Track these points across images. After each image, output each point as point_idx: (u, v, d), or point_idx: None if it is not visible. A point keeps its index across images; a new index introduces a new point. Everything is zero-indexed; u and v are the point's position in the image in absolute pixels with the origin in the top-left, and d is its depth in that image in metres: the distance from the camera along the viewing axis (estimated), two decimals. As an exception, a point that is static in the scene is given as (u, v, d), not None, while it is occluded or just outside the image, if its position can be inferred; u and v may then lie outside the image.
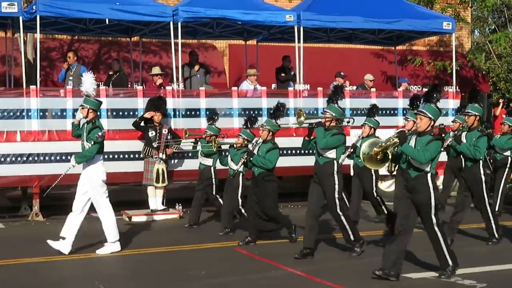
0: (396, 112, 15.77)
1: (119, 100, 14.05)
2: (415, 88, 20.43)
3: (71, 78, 14.99)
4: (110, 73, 15.99)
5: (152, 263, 9.46)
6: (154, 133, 13.28)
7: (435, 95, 8.18)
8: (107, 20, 14.70)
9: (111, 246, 10.09)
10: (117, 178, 13.82)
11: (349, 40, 18.67)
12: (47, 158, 13.18)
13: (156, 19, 14.74)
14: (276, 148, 10.43)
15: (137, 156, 13.50)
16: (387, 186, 16.00)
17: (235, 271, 8.92)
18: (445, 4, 22.56)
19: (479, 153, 10.26)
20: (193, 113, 14.31)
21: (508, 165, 13.54)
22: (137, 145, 13.66)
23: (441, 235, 8.25)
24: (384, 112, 14.07)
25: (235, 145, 11.23)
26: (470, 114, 10.49)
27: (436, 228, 8.22)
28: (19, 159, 13.01)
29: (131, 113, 13.79)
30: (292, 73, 16.56)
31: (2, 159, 12.89)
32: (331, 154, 9.48)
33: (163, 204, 13.56)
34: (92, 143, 9.77)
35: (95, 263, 9.58)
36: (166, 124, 13.75)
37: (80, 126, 10.17)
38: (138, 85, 15.76)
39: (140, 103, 13.88)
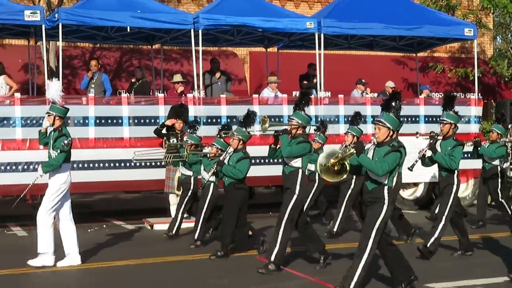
0: (417, 119, 15.69)
1: (140, 108, 14.11)
2: (437, 95, 20.32)
3: (93, 86, 15.10)
4: (133, 80, 16.08)
5: (171, 272, 9.47)
6: (175, 141, 13.32)
7: (394, 104, 7.78)
8: (128, 28, 14.77)
9: (41, 257, 9.60)
10: (139, 186, 13.91)
11: (370, 47, 18.63)
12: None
13: (177, 27, 14.79)
14: (247, 158, 10.18)
15: (158, 163, 13.53)
16: (409, 194, 15.93)
17: (255, 280, 8.90)
18: (467, 10, 22.46)
19: (455, 163, 9.88)
20: (214, 120, 14.33)
21: (498, 175, 13.07)
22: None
23: (363, 265, 7.63)
24: (405, 119, 13.99)
25: (208, 155, 10.97)
26: (445, 122, 10.13)
27: (369, 245, 7.65)
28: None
29: (153, 120, 13.84)
30: (315, 80, 16.55)
31: (26, 167, 12.97)
32: (296, 163, 9.11)
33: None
34: (59, 151, 9.48)
35: (111, 271, 9.59)
36: (186, 131, 13.78)
37: (48, 134, 9.89)
38: (159, 93, 15.82)
39: (161, 110, 13.92)
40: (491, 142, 12.92)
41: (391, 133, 7.73)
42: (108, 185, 13.65)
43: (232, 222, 10.19)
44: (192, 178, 12.05)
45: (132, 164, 13.21)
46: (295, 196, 9.07)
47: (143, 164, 13.16)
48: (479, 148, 12.48)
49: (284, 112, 14.75)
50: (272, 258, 9.09)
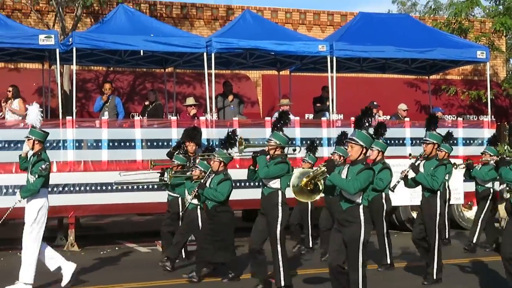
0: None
1: (153, 131, 14.18)
2: (450, 117, 20.28)
3: (107, 109, 15.20)
4: (146, 103, 16.16)
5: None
6: (188, 163, 13.31)
7: (366, 121, 7.67)
8: (141, 51, 14.89)
9: (21, 286, 9.36)
10: (151, 208, 13.93)
11: (382, 69, 18.66)
12: (82, 188, 13.29)
13: (190, 50, 14.90)
14: (228, 180, 9.99)
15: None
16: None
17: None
18: (479, 33, 22.48)
19: (437, 183, 9.71)
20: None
21: (490, 197, 12.93)
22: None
23: (362, 279, 7.53)
24: (418, 142, 13.95)
25: (192, 177, 10.68)
26: (428, 142, 9.95)
27: (359, 270, 7.50)
28: (55, 189, 13.11)
29: (165, 143, 13.87)
30: (328, 103, 16.57)
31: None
32: (275, 184, 9.00)
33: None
34: (36, 176, 9.25)
35: None
36: (199, 154, 13.79)
37: (28, 159, 9.69)
38: (172, 116, 15.89)
39: (174, 133, 13.97)
40: (483, 164, 12.65)
41: (364, 150, 7.64)
42: (121, 207, 13.67)
43: (229, 246, 10.09)
44: (180, 199, 11.61)
45: (145, 186, 13.22)
46: (279, 220, 8.96)
47: (155, 186, 13.15)
48: (471, 171, 12.40)
49: (297, 134, 14.78)
50: (282, 283, 9.02)
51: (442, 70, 19.48)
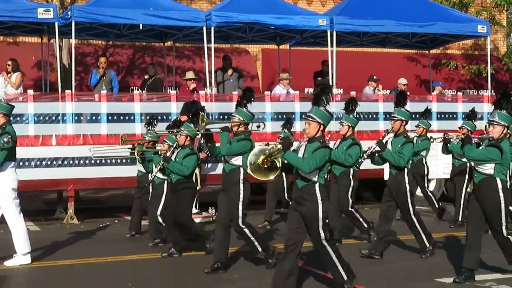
0: (430, 116, 15.62)
1: (153, 105, 14.17)
2: (449, 92, 20.26)
3: (103, 83, 15.17)
4: (146, 77, 16.13)
5: (186, 266, 9.50)
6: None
7: (324, 97, 7.45)
8: (141, 25, 14.84)
9: (21, 258, 9.38)
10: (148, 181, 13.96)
11: (382, 44, 18.60)
12: (81, 161, 13.32)
13: (190, 24, 14.84)
14: (194, 154, 9.87)
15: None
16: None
17: (267, 274, 8.91)
18: (480, 7, 22.37)
19: (403, 161, 9.51)
20: (226, 117, 14.32)
21: (467, 172, 12.61)
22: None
23: (331, 249, 7.50)
24: (418, 116, 13.93)
25: (160, 152, 10.47)
26: (396, 118, 9.76)
27: (324, 243, 7.46)
28: (54, 162, 13.17)
29: (165, 117, 13.87)
30: (328, 77, 16.52)
31: (38, 163, 13.06)
32: (237, 161, 8.82)
33: (196, 207, 13.60)
34: (0, 150, 9.07)
35: (121, 266, 9.63)
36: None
37: None
38: (171, 90, 15.87)
39: (173, 107, 13.97)
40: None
41: (322, 127, 7.44)
42: (120, 181, 13.69)
43: (189, 221, 9.89)
44: (149, 175, 11.22)
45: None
46: (241, 197, 8.85)
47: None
48: (448, 145, 12.17)
49: (296, 109, 14.79)
50: (260, 249, 9.05)
51: (442, 44, 19.42)
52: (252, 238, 9.04)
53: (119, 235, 12.04)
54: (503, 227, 8.30)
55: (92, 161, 13.16)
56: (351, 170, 10.75)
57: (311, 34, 16.62)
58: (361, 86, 16.83)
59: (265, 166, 7.58)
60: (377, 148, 9.78)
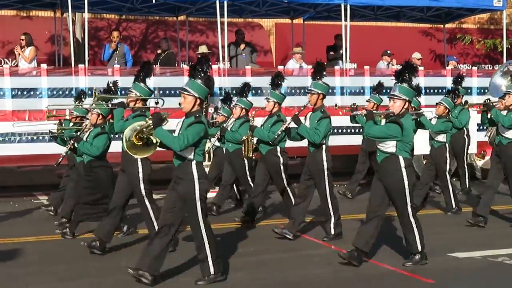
0: (444, 91, 15.54)
1: (166, 79, 14.15)
2: (465, 66, 20.11)
3: (116, 57, 15.17)
4: (159, 51, 16.11)
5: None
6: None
7: (201, 69, 7.18)
8: (153, -1, 14.79)
9: None
10: (165, 156, 13.96)
11: (397, 18, 18.45)
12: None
13: (203, -2, 14.78)
14: (105, 133, 9.33)
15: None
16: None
17: (280, 248, 8.95)
18: (496, -20, 22.11)
19: (318, 137, 8.98)
20: (239, 92, 14.31)
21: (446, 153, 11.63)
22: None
23: (207, 235, 7.16)
24: (432, 91, 13.86)
25: (84, 130, 9.79)
26: (312, 92, 9.21)
27: (202, 228, 7.13)
28: (68, 136, 13.19)
29: (178, 91, 13.78)
30: (341, 52, 16.44)
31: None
32: None
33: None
34: None
35: (143, 238, 9.67)
36: (212, 103, 13.80)
37: None
38: (184, 64, 15.83)
39: (186, 81, 13.88)
40: (439, 116, 11.36)
41: (198, 101, 7.17)
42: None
43: (107, 198, 9.22)
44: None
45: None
46: (140, 176, 8.55)
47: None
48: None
49: (309, 83, 14.63)
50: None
51: (457, 18, 19.24)
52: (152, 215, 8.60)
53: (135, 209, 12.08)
54: (409, 208, 7.85)
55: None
56: (278, 148, 10.14)
57: (325, 8, 16.50)
58: (375, 61, 16.72)
59: (140, 143, 7.20)
60: (293, 124, 9.24)
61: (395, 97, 7.84)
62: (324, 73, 9.46)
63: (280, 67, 15.15)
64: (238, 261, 8.24)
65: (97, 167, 9.38)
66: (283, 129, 9.50)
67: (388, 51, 16.79)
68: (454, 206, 11.40)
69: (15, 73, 13.40)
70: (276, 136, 9.74)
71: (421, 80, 15.51)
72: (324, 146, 9.18)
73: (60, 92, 13.26)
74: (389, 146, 7.76)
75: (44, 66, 13.43)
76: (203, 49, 15.53)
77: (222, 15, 14.35)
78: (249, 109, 11.15)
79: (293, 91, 14.31)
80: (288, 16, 17.86)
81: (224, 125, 11.40)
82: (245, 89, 11.20)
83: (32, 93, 12.97)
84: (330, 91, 13.43)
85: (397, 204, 7.89)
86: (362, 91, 14.78)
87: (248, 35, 17.82)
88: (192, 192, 7.05)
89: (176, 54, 16.88)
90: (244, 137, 10.50)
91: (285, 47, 19.83)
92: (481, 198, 10.51)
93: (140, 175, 8.60)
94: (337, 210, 9.45)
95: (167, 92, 13.91)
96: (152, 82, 13.74)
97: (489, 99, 11.45)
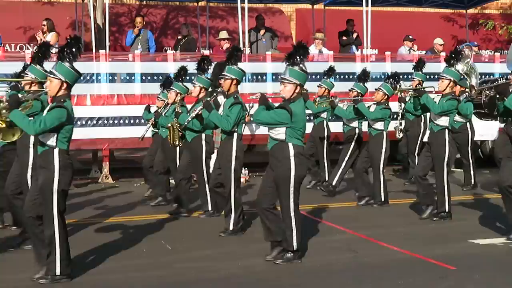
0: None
1: (186, 64, 14.11)
2: (487, 52, 19.92)
3: (139, 42, 15.20)
4: (179, 37, 16.13)
5: (218, 226, 9.56)
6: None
7: (67, 53, 6.71)
8: (174, -16, 14.77)
9: None
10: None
11: (418, 3, 18.34)
12: (116, 121, 13.41)
13: (223, -17, 14.74)
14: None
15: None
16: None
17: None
18: (520, -36, 21.90)
19: (228, 124, 8.46)
20: (259, 77, 14.31)
21: (355, 138, 11.47)
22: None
23: (58, 233, 6.67)
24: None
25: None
26: (226, 77, 8.72)
27: (54, 221, 6.64)
28: (89, 122, 13.28)
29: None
30: (354, 36, 16.35)
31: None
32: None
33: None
34: None
35: (156, 225, 9.72)
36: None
37: None
38: (205, 50, 15.83)
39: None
40: (377, 103, 10.77)
41: (65, 85, 6.76)
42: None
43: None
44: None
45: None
46: (29, 164, 7.89)
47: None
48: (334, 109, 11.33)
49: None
50: None
51: (480, 3, 19.10)
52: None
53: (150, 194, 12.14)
54: (291, 200, 7.39)
55: (127, 121, 13.25)
56: (203, 135, 9.80)
57: (345, -7, 16.43)
58: (397, 47, 16.63)
59: (3, 125, 6.80)
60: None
61: (286, 81, 7.35)
62: (238, 58, 8.82)
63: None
64: (256, 248, 8.25)
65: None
66: (193, 115, 8.97)
67: (410, 36, 16.68)
68: (382, 198, 10.85)
69: (36, 59, 13.46)
70: (187, 122, 9.22)
71: (442, 66, 15.40)
72: (235, 134, 8.75)
73: (81, 78, 13.19)
74: (279, 133, 7.32)
75: (65, 51, 13.44)
76: (223, 34, 15.51)
77: (242, 1, 14.32)
78: (184, 94, 10.64)
79: (313, 76, 14.22)
80: (309, 1, 17.80)
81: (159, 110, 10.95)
82: (181, 73, 10.75)
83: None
84: (351, 76, 13.58)
85: (280, 193, 7.42)
86: (383, 77, 14.67)
87: (269, 21, 17.77)
88: (49, 182, 6.63)
89: (197, 40, 16.87)
90: (169, 124, 10.04)
91: (305, 33, 19.74)
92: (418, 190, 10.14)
93: (29, 163, 7.91)
94: (239, 206, 8.97)
95: (187, 77, 13.89)
96: (172, 67, 13.82)
97: (401, 84, 11.03)
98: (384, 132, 10.68)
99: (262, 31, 16.16)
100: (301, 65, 7.40)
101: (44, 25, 14.76)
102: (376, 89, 10.93)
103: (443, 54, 15.92)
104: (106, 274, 7.19)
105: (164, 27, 18.92)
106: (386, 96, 10.68)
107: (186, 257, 7.86)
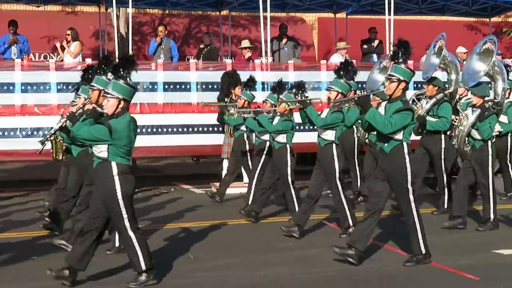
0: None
1: (208, 74, 14.17)
2: (510, 61, 19.76)
3: (161, 51, 15.27)
4: (201, 46, 16.19)
5: (239, 235, 9.57)
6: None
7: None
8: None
9: None
10: (205, 151, 14.04)
11: (441, 12, 18.24)
12: (138, 130, 13.21)
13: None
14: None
15: (218, 129, 13.41)
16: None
17: (318, 244, 8.92)
18: (545, -27, 21.71)
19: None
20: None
21: (265, 151, 10.98)
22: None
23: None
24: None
25: None
26: (94, 88, 7.88)
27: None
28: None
29: (220, 86, 13.87)
30: (375, 44, 16.33)
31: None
32: None
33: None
34: None
35: (180, 233, 9.74)
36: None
37: None
38: (227, 59, 15.87)
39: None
40: (280, 115, 10.16)
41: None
42: (176, 149, 13.81)
43: None
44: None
45: (195, 129, 13.32)
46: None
47: (205, 129, 13.25)
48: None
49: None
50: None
51: (503, 12, 18.95)
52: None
53: (176, 203, 12.18)
54: (125, 220, 6.93)
55: (149, 130, 13.29)
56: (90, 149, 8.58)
57: (368, 2, 16.43)
58: (419, 55, 16.52)
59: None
60: (69, 122, 7.71)
61: (109, 95, 6.87)
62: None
63: (323, 62, 15.09)
64: (276, 257, 8.24)
65: None
66: (58, 127, 8.37)
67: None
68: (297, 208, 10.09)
69: (60, 68, 13.59)
70: (47, 138, 8.48)
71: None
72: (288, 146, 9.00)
73: (104, 87, 13.37)
74: (101, 151, 6.89)
75: (88, 60, 13.57)
76: (245, 43, 15.56)
77: (265, 10, 14.33)
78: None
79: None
80: (331, 10, 17.77)
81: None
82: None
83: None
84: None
85: (112, 215, 6.97)
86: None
87: (291, 30, 17.81)
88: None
89: (219, 49, 16.92)
90: (51, 137, 9.12)
91: (328, 42, 19.77)
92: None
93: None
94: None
95: (209, 86, 13.95)
96: (194, 76, 13.87)
97: (304, 95, 10.42)
98: (288, 145, 10.06)
99: (284, 40, 16.18)
100: (123, 80, 6.87)
101: (68, 35, 14.89)
102: (263, 101, 10.93)
103: (465, 62, 15.83)
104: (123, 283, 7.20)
105: (186, 36, 19.03)
106: (290, 109, 10.02)
107: (209, 266, 7.86)
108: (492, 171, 9.64)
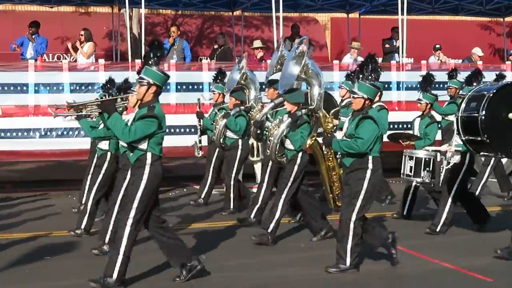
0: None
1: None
2: (525, 61, 19.67)
3: (174, 52, 15.30)
4: (215, 47, 16.20)
5: (251, 236, 9.55)
6: None
7: None
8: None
9: None
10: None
11: (455, 11, 18.15)
12: (151, 131, 13.41)
13: (258, -8, 14.76)
14: None
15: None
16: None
17: (331, 245, 8.87)
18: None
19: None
20: (294, 86, 14.25)
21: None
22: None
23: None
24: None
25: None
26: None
27: None
28: (125, 131, 13.33)
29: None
30: (397, 44, 16.28)
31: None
32: None
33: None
34: None
35: (194, 233, 9.74)
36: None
37: None
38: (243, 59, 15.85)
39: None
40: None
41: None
42: (190, 150, 13.78)
43: None
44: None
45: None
46: None
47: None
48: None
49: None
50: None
51: (518, 11, 18.84)
52: None
53: (188, 204, 12.16)
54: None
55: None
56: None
57: (381, 2, 16.37)
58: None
59: None
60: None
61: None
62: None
63: (336, 62, 15.06)
64: (289, 257, 8.23)
65: None
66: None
67: (437, 46, 16.64)
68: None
69: (73, 68, 13.63)
70: None
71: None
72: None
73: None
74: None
75: (101, 61, 13.61)
76: (257, 43, 15.55)
77: (277, 10, 14.32)
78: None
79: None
80: (344, 10, 17.73)
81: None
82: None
83: (90, 87, 13.16)
84: (386, 86, 13.47)
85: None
86: (418, 86, 14.57)
87: (304, 30, 17.78)
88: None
89: (232, 49, 16.93)
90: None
91: (340, 42, 19.72)
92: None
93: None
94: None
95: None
96: (207, 76, 13.86)
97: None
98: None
99: (296, 40, 16.13)
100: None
101: (81, 35, 14.93)
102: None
103: (480, 63, 15.76)
104: (137, 282, 7.20)
105: (199, 37, 19.04)
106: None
107: (220, 266, 7.85)
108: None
